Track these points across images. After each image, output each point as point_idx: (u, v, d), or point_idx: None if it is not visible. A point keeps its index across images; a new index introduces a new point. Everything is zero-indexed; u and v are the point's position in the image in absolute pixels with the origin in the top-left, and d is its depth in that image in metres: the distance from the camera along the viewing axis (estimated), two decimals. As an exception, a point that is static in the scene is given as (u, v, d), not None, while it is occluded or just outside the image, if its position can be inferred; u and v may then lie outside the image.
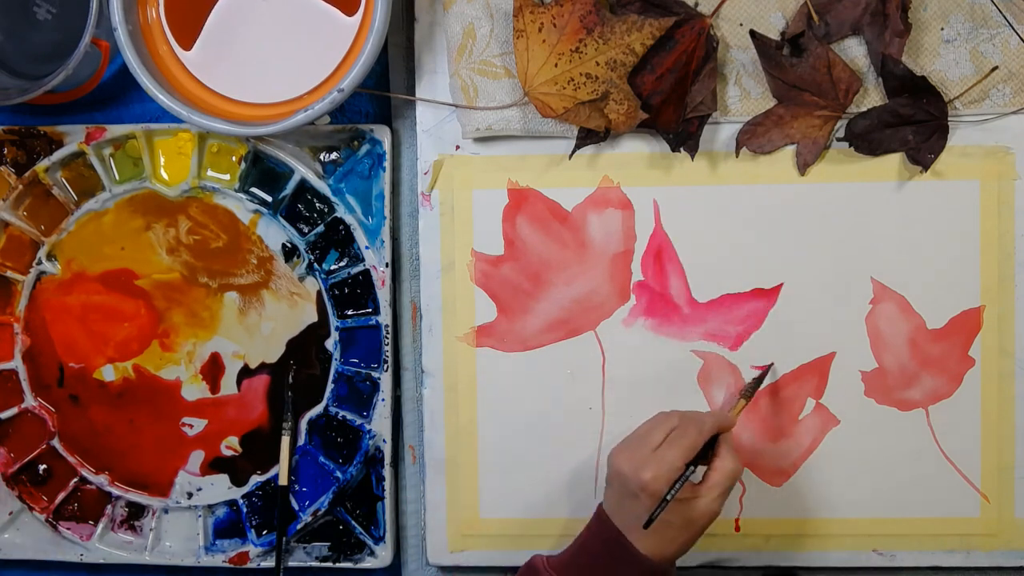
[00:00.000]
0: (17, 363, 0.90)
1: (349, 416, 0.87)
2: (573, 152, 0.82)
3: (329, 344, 0.87)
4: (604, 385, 0.84)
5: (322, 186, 0.85)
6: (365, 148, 0.85)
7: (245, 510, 0.88)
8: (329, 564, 0.88)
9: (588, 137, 0.81)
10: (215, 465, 0.89)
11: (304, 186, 0.86)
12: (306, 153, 0.86)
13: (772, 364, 0.82)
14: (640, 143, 0.83)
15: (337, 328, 0.86)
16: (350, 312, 0.86)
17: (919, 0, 0.79)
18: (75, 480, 0.90)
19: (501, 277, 0.84)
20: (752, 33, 0.78)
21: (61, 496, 0.90)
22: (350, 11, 0.80)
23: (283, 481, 0.87)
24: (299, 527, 0.87)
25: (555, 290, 0.84)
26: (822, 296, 0.82)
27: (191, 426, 0.88)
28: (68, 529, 0.90)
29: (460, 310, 0.84)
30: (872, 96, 0.80)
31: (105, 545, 0.89)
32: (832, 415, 0.83)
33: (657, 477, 0.70)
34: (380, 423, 0.86)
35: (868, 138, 0.80)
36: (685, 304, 0.83)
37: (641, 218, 0.83)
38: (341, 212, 0.85)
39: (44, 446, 0.90)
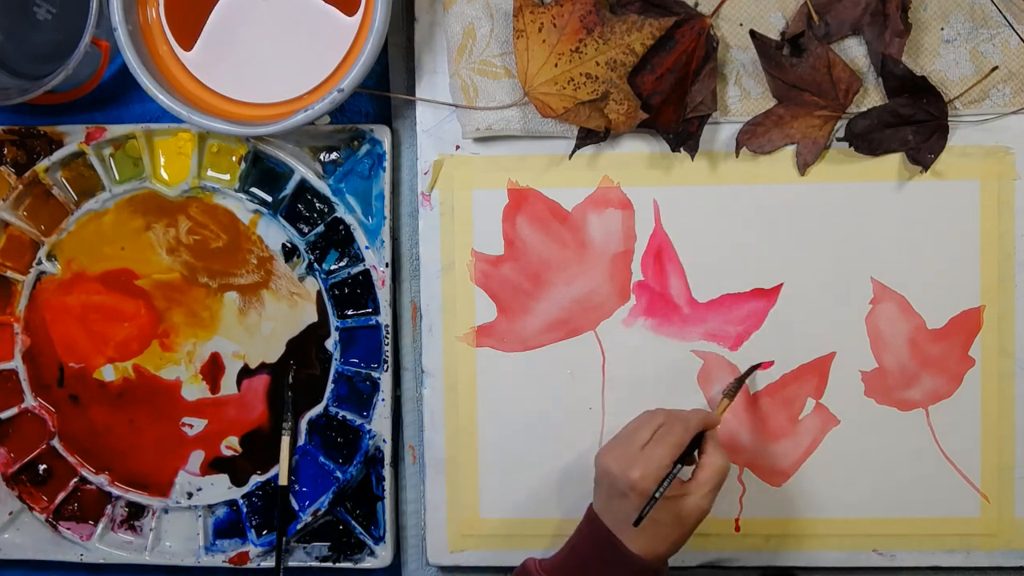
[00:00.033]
0: (17, 363, 0.90)
1: (349, 416, 0.87)
2: (573, 152, 0.82)
3: (329, 344, 0.87)
4: (604, 385, 0.84)
5: (322, 186, 0.85)
6: (365, 148, 0.85)
7: (245, 510, 0.88)
8: (329, 564, 0.88)
9: (588, 137, 0.81)
10: (215, 465, 0.89)
11: (304, 186, 0.86)
12: (306, 153, 0.86)
13: (757, 364, 0.82)
14: (640, 143, 0.83)
15: (337, 328, 0.86)
16: (350, 312, 0.86)
17: (919, 0, 0.79)
18: (75, 480, 0.90)
19: (501, 277, 0.84)
20: (752, 33, 0.78)
21: (61, 496, 0.90)
22: (350, 11, 0.80)
23: (283, 481, 0.87)
24: (299, 527, 0.87)
25: (555, 290, 0.84)
26: (822, 296, 0.82)
27: (191, 426, 0.88)
28: (68, 529, 0.90)
29: (460, 310, 0.84)
30: (872, 96, 0.80)
31: (105, 545, 0.89)
32: (832, 415, 0.83)
33: (645, 475, 0.70)
34: (380, 423, 0.86)
35: (868, 138, 0.80)
36: (685, 304, 0.83)
37: (641, 218, 0.83)
38: (341, 212, 0.85)
39: (44, 446, 0.90)
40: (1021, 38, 0.79)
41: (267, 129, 0.79)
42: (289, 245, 0.87)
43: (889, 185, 0.81)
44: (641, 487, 0.70)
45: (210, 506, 0.89)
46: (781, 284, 0.83)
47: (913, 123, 0.79)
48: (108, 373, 0.89)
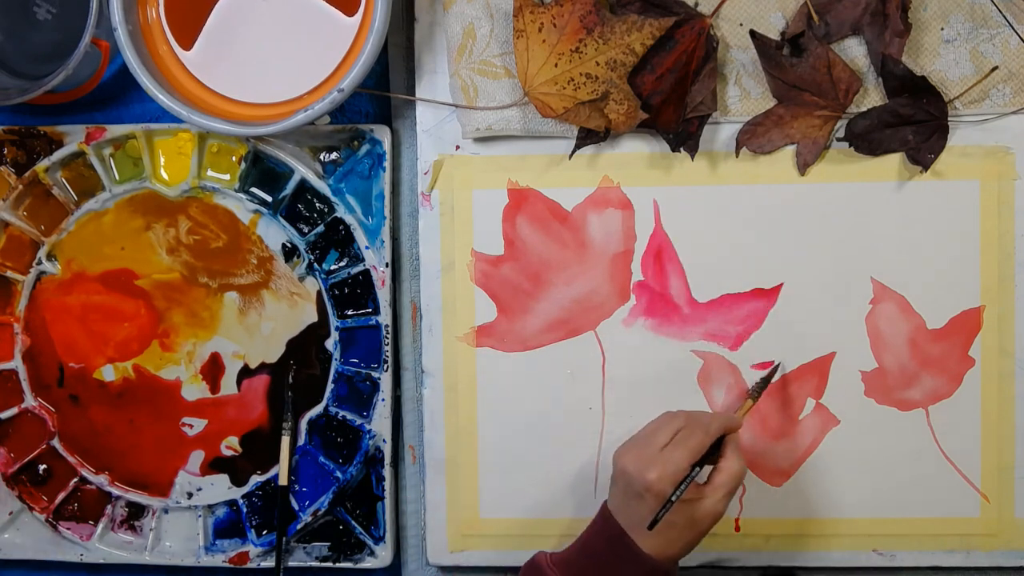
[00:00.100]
0: (17, 363, 0.90)
1: (349, 416, 0.87)
2: (573, 152, 0.82)
3: (329, 344, 0.87)
4: (604, 385, 0.84)
5: (322, 186, 0.85)
6: (365, 148, 0.85)
7: (245, 510, 0.88)
8: (329, 564, 0.88)
9: (588, 137, 0.81)
10: (215, 465, 0.89)
11: (304, 186, 0.86)
12: (306, 153, 0.86)
13: (779, 363, 0.82)
14: (640, 143, 0.83)
15: (337, 328, 0.86)
16: (350, 312, 0.86)
17: (919, 0, 0.79)
18: (75, 480, 0.90)
19: (501, 277, 0.84)
20: (752, 33, 0.78)
21: (61, 496, 0.90)
22: (350, 11, 0.80)
23: (283, 481, 0.87)
24: (299, 527, 0.87)
25: (555, 290, 0.84)
26: (822, 296, 0.82)
27: (191, 426, 0.88)
28: (68, 529, 0.90)
29: (460, 310, 0.84)
30: (872, 96, 0.80)
31: (105, 545, 0.89)
32: (832, 415, 0.83)
33: (662, 477, 0.70)
34: (380, 423, 0.86)
35: (868, 138, 0.80)
36: (685, 304, 0.83)
37: (641, 218, 0.83)
38: (341, 212, 0.85)
39: (44, 446, 0.90)
40: (1021, 38, 0.79)
41: (267, 129, 0.79)
42: (289, 245, 0.87)
43: (889, 185, 0.81)
44: (657, 489, 0.70)
45: (210, 506, 0.89)
46: (781, 284, 0.83)
47: (913, 123, 0.79)
48: (108, 373, 0.89)
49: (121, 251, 0.88)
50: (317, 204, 0.86)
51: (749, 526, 0.84)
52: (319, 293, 0.87)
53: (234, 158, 0.86)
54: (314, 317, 0.87)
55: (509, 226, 0.84)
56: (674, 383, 0.83)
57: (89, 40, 0.80)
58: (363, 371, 0.86)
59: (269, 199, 0.86)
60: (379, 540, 0.87)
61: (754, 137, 0.81)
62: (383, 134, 0.85)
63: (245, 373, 0.88)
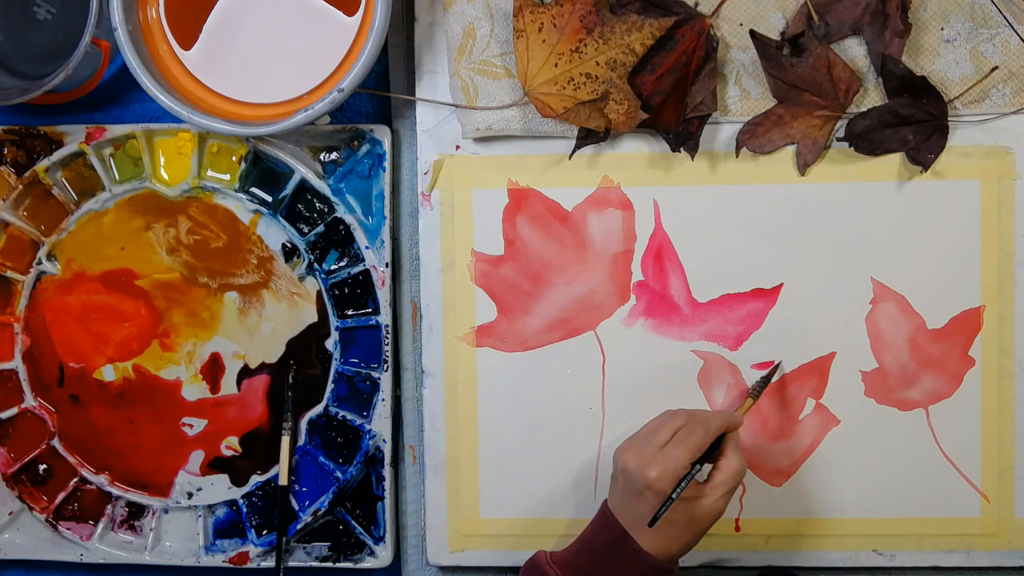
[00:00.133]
0: (17, 363, 0.90)
1: (349, 416, 0.87)
2: (573, 152, 0.82)
3: (329, 344, 0.87)
4: (604, 385, 0.84)
5: (322, 186, 0.85)
6: (365, 148, 0.85)
7: (245, 510, 0.88)
8: (329, 564, 0.88)
9: (588, 137, 0.81)
10: (215, 465, 0.89)
11: (304, 186, 0.86)
12: (306, 153, 0.86)
13: (780, 362, 0.82)
14: (640, 143, 0.83)
15: (337, 328, 0.86)
16: (350, 312, 0.86)
17: (919, 0, 0.79)
18: (75, 480, 0.90)
19: (501, 277, 0.84)
20: (752, 33, 0.78)
21: (61, 496, 0.90)
22: (350, 11, 0.80)
23: (283, 481, 0.87)
24: (299, 527, 0.87)
25: (555, 290, 0.84)
26: (822, 296, 0.82)
27: (191, 426, 0.88)
28: (68, 529, 0.90)
29: (460, 310, 0.84)
30: (872, 96, 0.80)
31: (105, 545, 0.89)
32: (832, 415, 0.83)
33: (663, 475, 0.70)
34: (380, 423, 0.86)
35: (868, 138, 0.80)
36: (685, 304, 0.83)
37: (641, 218, 0.83)
38: (341, 212, 0.85)
39: (44, 446, 0.90)
40: (1021, 38, 0.79)
41: (267, 129, 0.79)
42: (289, 245, 0.87)
43: (889, 185, 0.81)
44: (658, 487, 0.70)
45: (210, 506, 0.89)
46: (781, 284, 0.83)
47: (913, 123, 0.79)
48: (108, 373, 0.89)
49: (121, 251, 0.88)
50: (317, 204, 0.86)
51: (749, 526, 0.84)
52: (319, 293, 0.87)
53: (234, 158, 0.86)
54: (314, 317, 0.87)
55: (509, 226, 0.84)
56: (674, 383, 0.83)
57: (89, 40, 0.80)
58: (363, 371, 0.86)
59: (269, 199, 0.86)
60: (379, 540, 0.87)
61: (754, 137, 0.81)
62: (383, 134, 0.85)
63: (245, 373, 0.88)
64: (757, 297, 0.83)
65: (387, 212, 0.85)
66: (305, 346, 0.87)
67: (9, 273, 0.89)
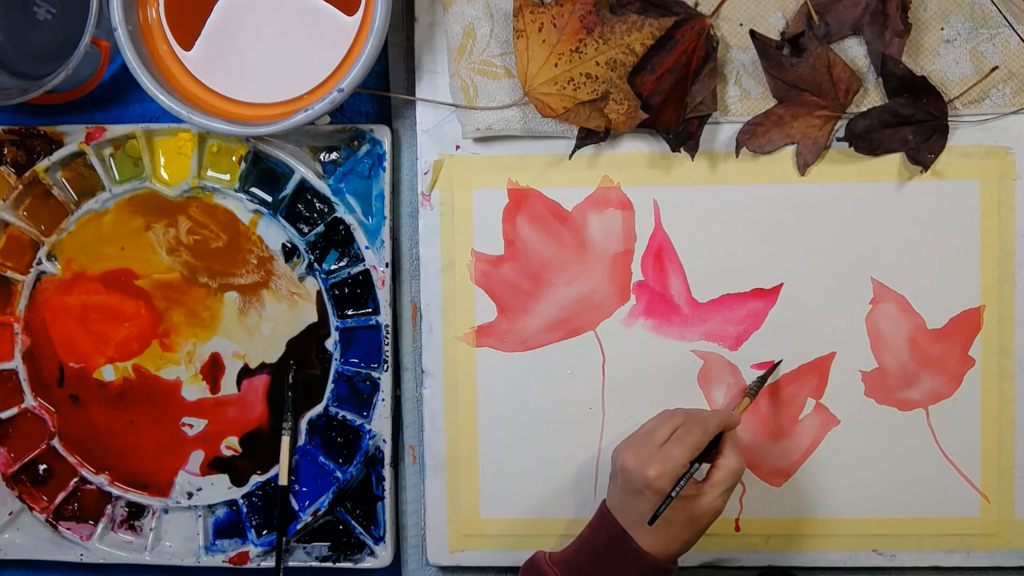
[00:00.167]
0: (17, 363, 0.90)
1: (349, 416, 0.87)
2: (573, 152, 0.82)
3: (329, 344, 0.87)
4: (604, 385, 0.84)
5: (322, 186, 0.85)
6: (365, 148, 0.85)
7: (245, 510, 0.88)
8: (329, 564, 0.88)
9: (588, 137, 0.81)
10: (215, 465, 0.89)
11: (304, 186, 0.86)
12: (306, 153, 0.86)
13: (780, 361, 0.82)
14: (640, 143, 0.83)
15: (337, 328, 0.86)
16: (350, 312, 0.86)
17: (919, 0, 0.79)
18: (75, 480, 0.90)
19: (501, 277, 0.84)
20: (752, 33, 0.78)
21: (61, 496, 0.90)
22: (350, 11, 0.80)
23: (283, 481, 0.87)
24: (299, 527, 0.87)
25: (555, 290, 0.84)
26: (822, 296, 0.82)
27: (191, 426, 0.88)
28: (68, 529, 0.90)
29: (460, 310, 0.84)
30: (872, 96, 0.80)
31: (105, 545, 0.89)
32: (832, 415, 0.83)
33: (662, 474, 0.70)
34: (380, 423, 0.86)
35: (868, 138, 0.80)
36: (685, 304, 0.83)
37: (641, 218, 0.83)
38: (341, 212, 0.85)
39: (44, 446, 0.90)
40: (1021, 38, 0.79)
41: (267, 129, 0.79)
42: (289, 245, 0.87)
43: (889, 185, 0.81)
44: (657, 486, 0.70)
45: (210, 506, 0.89)
46: (781, 284, 0.83)
47: (913, 123, 0.79)
48: (108, 373, 0.89)
49: (121, 251, 0.88)
50: (317, 204, 0.86)
51: (749, 526, 0.84)
52: (319, 293, 0.87)
53: (234, 158, 0.86)
54: (314, 317, 0.87)
55: (509, 226, 0.84)
56: (674, 383, 0.83)
57: (89, 40, 0.80)
58: (363, 371, 0.86)
59: (269, 199, 0.86)
60: (379, 540, 0.87)
61: (754, 137, 0.81)
62: (383, 134, 0.85)
63: (245, 373, 0.88)
64: (757, 297, 0.83)
65: (387, 212, 0.85)
66: (305, 346, 0.87)
67: (9, 273, 0.89)
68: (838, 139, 0.80)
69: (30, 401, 0.90)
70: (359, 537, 0.87)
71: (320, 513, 0.87)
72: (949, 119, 0.79)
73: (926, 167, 0.80)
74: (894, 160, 0.81)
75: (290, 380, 0.87)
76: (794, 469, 0.83)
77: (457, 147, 0.84)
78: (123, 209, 0.88)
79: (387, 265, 0.85)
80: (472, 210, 0.84)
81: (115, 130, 0.86)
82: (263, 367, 0.88)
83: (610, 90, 0.78)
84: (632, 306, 0.83)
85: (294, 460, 0.88)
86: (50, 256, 0.88)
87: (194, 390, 0.88)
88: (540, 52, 0.78)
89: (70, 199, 0.88)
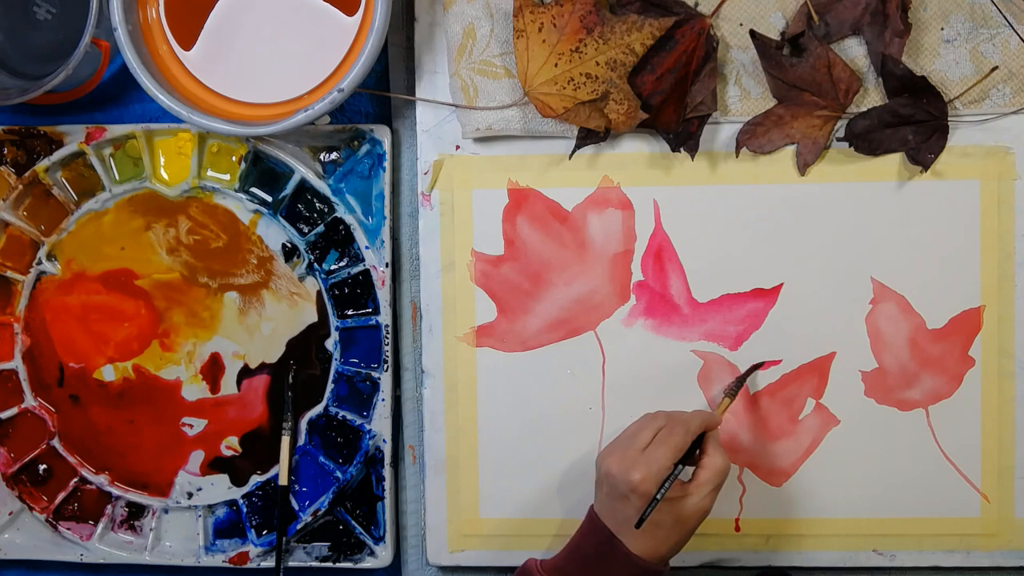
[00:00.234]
0: (17, 363, 0.90)
1: (349, 416, 0.87)
2: (573, 152, 0.82)
3: (329, 344, 0.87)
4: (604, 385, 0.84)
5: (322, 186, 0.85)
6: (365, 148, 0.85)
7: (245, 510, 0.88)
8: (329, 564, 0.88)
9: (588, 137, 0.81)
10: (215, 465, 0.89)
11: (304, 186, 0.86)
12: (306, 153, 0.86)
13: (761, 363, 0.82)
14: (640, 143, 0.83)
15: (337, 328, 0.86)
16: (350, 312, 0.86)
17: (919, 0, 0.79)
18: (75, 480, 0.90)
19: (501, 277, 0.84)
20: (752, 33, 0.78)
21: (61, 496, 0.90)
22: (350, 11, 0.80)
23: (283, 481, 0.87)
24: (299, 527, 0.87)
25: (555, 290, 0.84)
26: (822, 296, 0.82)
27: (191, 426, 0.88)
28: (68, 529, 0.90)
29: (460, 310, 0.84)
30: (872, 96, 0.80)
31: (105, 545, 0.89)
32: (832, 415, 0.83)
33: (646, 478, 0.70)
34: (380, 423, 0.86)
35: (868, 138, 0.80)
36: (685, 304, 0.83)
37: (641, 218, 0.83)
38: (341, 212, 0.85)
39: (44, 446, 0.90)
40: (1021, 38, 0.79)
41: (267, 129, 0.79)
42: (289, 245, 0.87)
43: (889, 185, 0.81)
44: (642, 489, 0.70)
45: (210, 506, 0.89)
46: (781, 284, 0.83)
47: (913, 123, 0.79)
48: (108, 373, 0.89)
49: (121, 251, 0.88)
50: (317, 204, 0.86)
51: (749, 526, 0.84)
52: (319, 293, 0.87)
53: (234, 158, 0.86)
54: (314, 317, 0.87)
55: (509, 226, 0.84)
56: (674, 383, 0.83)
57: (89, 40, 0.80)
58: (363, 371, 0.86)
59: (269, 199, 0.86)
60: (379, 540, 0.87)
61: (754, 137, 0.81)
62: (383, 134, 0.85)
63: (245, 373, 0.88)
64: (757, 297, 0.83)
65: (387, 212, 0.85)
66: (305, 346, 0.87)
67: (9, 273, 0.89)
68: (838, 139, 0.81)
69: (30, 401, 0.90)
70: (359, 537, 0.87)
71: (320, 513, 0.87)
72: (949, 119, 0.79)
73: (926, 167, 0.80)
74: (894, 160, 0.81)
75: (290, 380, 0.87)
76: (794, 469, 0.83)
77: (457, 147, 0.84)
78: (123, 209, 0.88)
79: (387, 265, 0.85)
80: (472, 210, 0.84)
81: (115, 130, 0.86)
82: (263, 367, 0.88)
83: (610, 90, 0.78)
84: (632, 306, 0.83)
85: (294, 460, 0.88)
86: (50, 256, 0.88)
87: (194, 390, 0.88)
88: (540, 52, 0.78)
89: (70, 199, 0.88)
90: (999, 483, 0.82)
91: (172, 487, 0.89)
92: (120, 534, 0.90)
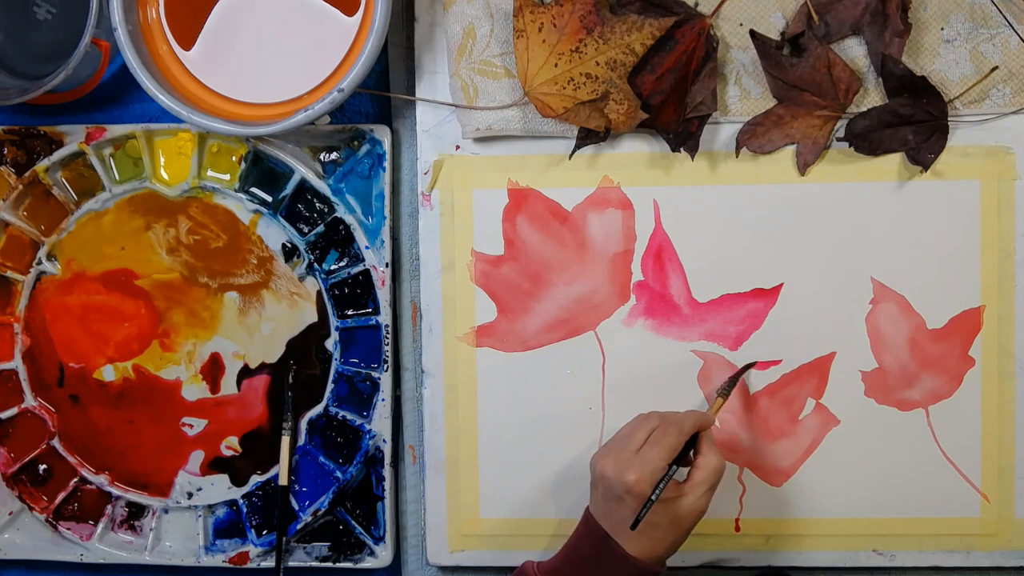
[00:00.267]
0: (17, 363, 0.90)
1: (349, 416, 0.87)
2: (573, 152, 0.82)
3: (329, 344, 0.87)
4: (604, 385, 0.84)
5: (322, 186, 0.85)
6: (365, 148, 0.85)
7: (245, 510, 0.88)
8: (329, 564, 0.88)
9: (588, 137, 0.81)
10: (215, 465, 0.89)
11: (304, 186, 0.86)
12: (306, 153, 0.86)
13: (753, 362, 0.82)
14: (640, 143, 0.83)
15: (337, 328, 0.86)
16: (350, 312, 0.86)
17: (919, 0, 0.79)
18: (75, 480, 0.90)
19: (501, 277, 0.84)
20: (752, 33, 0.78)
21: (61, 496, 0.90)
22: (350, 11, 0.80)
23: (283, 481, 0.87)
24: (299, 527, 0.87)
25: (555, 290, 0.84)
26: (822, 296, 0.82)
27: (191, 426, 0.88)
28: (68, 529, 0.90)
29: (460, 310, 0.84)
30: (872, 96, 0.80)
31: (105, 545, 0.89)
32: (832, 415, 0.83)
33: (641, 479, 0.70)
34: (380, 423, 0.86)
35: (868, 138, 0.80)
36: (685, 304, 0.83)
37: (641, 218, 0.83)
38: (341, 212, 0.85)
39: (44, 446, 0.90)
40: (1021, 38, 0.79)
41: (267, 129, 0.79)
42: (289, 245, 0.87)
43: (889, 185, 0.81)
44: (637, 490, 0.70)
45: (210, 506, 0.89)
46: (781, 284, 0.83)
47: (913, 123, 0.79)
48: (108, 373, 0.89)
49: (121, 251, 0.88)
50: (317, 204, 0.86)
51: (749, 526, 0.84)
52: (319, 293, 0.87)
53: (234, 158, 0.86)
54: (314, 317, 0.87)
55: (509, 226, 0.84)
56: (674, 383, 0.83)
57: (89, 40, 0.80)
58: (363, 371, 0.86)
59: (269, 199, 0.86)
60: (379, 540, 0.87)
61: (754, 137, 0.81)
62: (383, 134, 0.85)
63: (245, 373, 0.88)
64: (757, 297, 0.83)
65: (387, 212, 0.85)
66: (305, 346, 0.87)
67: (9, 273, 0.89)
68: (838, 139, 0.81)
69: (30, 401, 0.90)
70: (359, 537, 0.87)
71: (320, 513, 0.87)
72: (949, 119, 0.79)
73: (926, 167, 0.80)
74: (894, 160, 0.81)
75: (290, 380, 0.87)
76: (794, 469, 0.83)
77: (457, 147, 0.84)
78: (123, 209, 0.88)
79: (387, 265, 0.85)
80: (472, 210, 0.84)
81: (115, 130, 0.86)
82: (263, 367, 0.88)
83: (610, 90, 0.78)
84: (632, 306, 0.83)
85: (294, 460, 0.88)
86: (50, 256, 0.88)
87: (194, 390, 0.88)
88: (540, 52, 0.78)
89: (70, 199, 0.88)
90: (999, 483, 0.82)
91: (172, 487, 0.89)
92: (120, 534, 0.90)
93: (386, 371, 0.85)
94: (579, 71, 0.78)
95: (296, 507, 0.88)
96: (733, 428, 0.83)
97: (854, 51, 0.79)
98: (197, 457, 0.89)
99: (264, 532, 0.88)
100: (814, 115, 0.80)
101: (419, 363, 0.86)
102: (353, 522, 0.87)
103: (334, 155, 0.86)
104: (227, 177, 0.87)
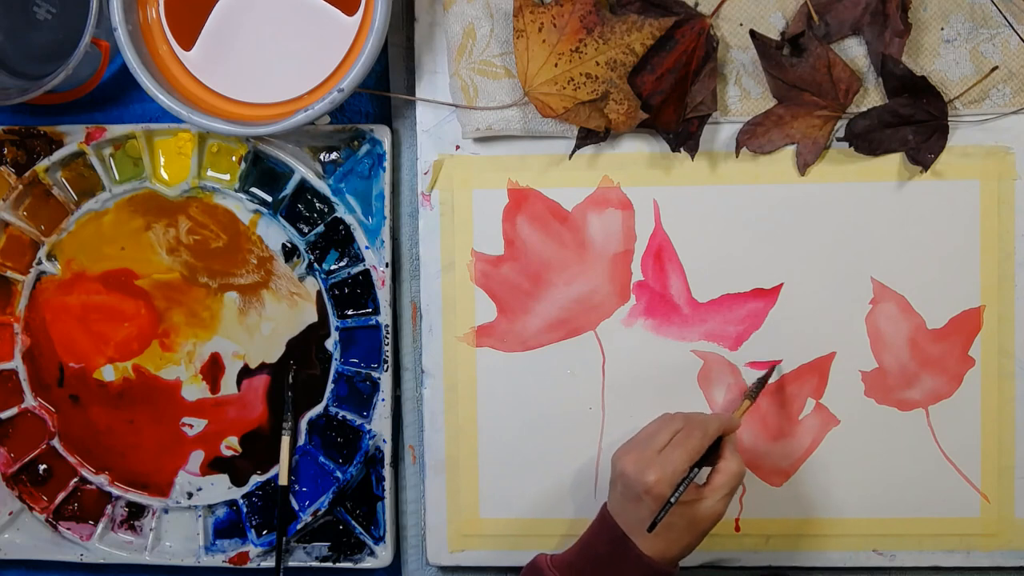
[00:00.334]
0: (17, 363, 0.90)
1: (349, 416, 0.87)
2: (573, 152, 0.82)
3: (329, 344, 0.87)
4: (604, 385, 0.84)
5: (322, 186, 0.85)
6: (365, 148, 0.85)
7: (245, 510, 0.88)
8: (329, 564, 0.88)
9: (588, 137, 0.81)
10: (215, 465, 0.89)
11: (304, 186, 0.86)
12: (306, 153, 0.86)
13: (780, 361, 0.82)
14: (640, 143, 0.83)
15: (337, 328, 0.86)
16: (350, 312, 0.86)
17: (919, 0, 0.79)
18: (75, 480, 0.90)
19: (501, 277, 0.84)
20: (752, 33, 0.78)
21: (61, 496, 0.90)
22: (350, 11, 0.80)
23: (283, 481, 0.87)
24: (299, 527, 0.87)
25: (555, 290, 0.84)
26: (822, 296, 0.82)
27: (191, 426, 0.88)
28: (68, 529, 0.90)
29: (460, 310, 0.84)
30: (872, 96, 0.80)
31: (105, 545, 0.89)
32: (832, 415, 0.83)
33: (661, 479, 0.70)
34: (380, 423, 0.86)
35: (868, 138, 0.80)
36: (685, 304, 0.83)
37: (641, 218, 0.83)
38: (341, 212, 0.85)
39: (44, 446, 0.90)
40: (1021, 38, 0.79)
41: (267, 129, 0.79)
42: (289, 245, 0.87)
43: (889, 185, 0.81)
44: (657, 491, 0.70)
45: (210, 506, 0.89)
46: (781, 284, 0.83)
47: (913, 123, 0.79)
48: (108, 373, 0.89)
49: (121, 251, 0.88)
50: (317, 204, 0.86)
51: (749, 526, 0.84)
52: (319, 293, 0.87)
53: (234, 158, 0.86)
54: (314, 317, 0.87)
55: (509, 226, 0.84)
56: (674, 383, 0.83)
57: (89, 40, 0.80)
58: (363, 371, 0.86)
59: (269, 199, 0.86)
60: (379, 540, 0.87)
61: (754, 137, 0.81)
62: (383, 134, 0.85)
63: (245, 373, 0.88)
64: (757, 297, 0.83)
65: (387, 212, 0.85)
66: (305, 346, 0.87)
67: (9, 273, 0.89)
68: (838, 139, 0.81)
69: (30, 401, 0.90)
70: (359, 537, 0.87)
71: (320, 513, 0.87)
72: (949, 119, 0.79)
73: (926, 167, 0.80)
74: (894, 160, 0.81)
75: (290, 380, 0.87)
76: (794, 469, 0.83)
77: (457, 147, 0.84)
78: (123, 209, 0.88)
79: (387, 265, 0.85)
80: (472, 210, 0.84)
81: (115, 130, 0.86)
82: (263, 367, 0.88)
83: (610, 90, 0.78)
84: (632, 306, 0.83)
85: (294, 460, 0.88)
86: (50, 256, 0.88)
87: (194, 390, 0.88)
88: (540, 52, 0.78)
89: (70, 199, 0.88)
90: (999, 483, 0.82)
91: (172, 487, 0.89)
92: (120, 534, 0.90)
93: (386, 371, 0.85)
94: (579, 71, 0.78)
95: (296, 507, 0.88)
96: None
97: (854, 51, 0.79)
98: (197, 457, 0.89)
99: (264, 532, 0.88)
100: (814, 115, 0.80)
101: (419, 363, 0.86)
102: (353, 522, 0.87)
103: (334, 155, 0.86)
104: (227, 177, 0.87)
